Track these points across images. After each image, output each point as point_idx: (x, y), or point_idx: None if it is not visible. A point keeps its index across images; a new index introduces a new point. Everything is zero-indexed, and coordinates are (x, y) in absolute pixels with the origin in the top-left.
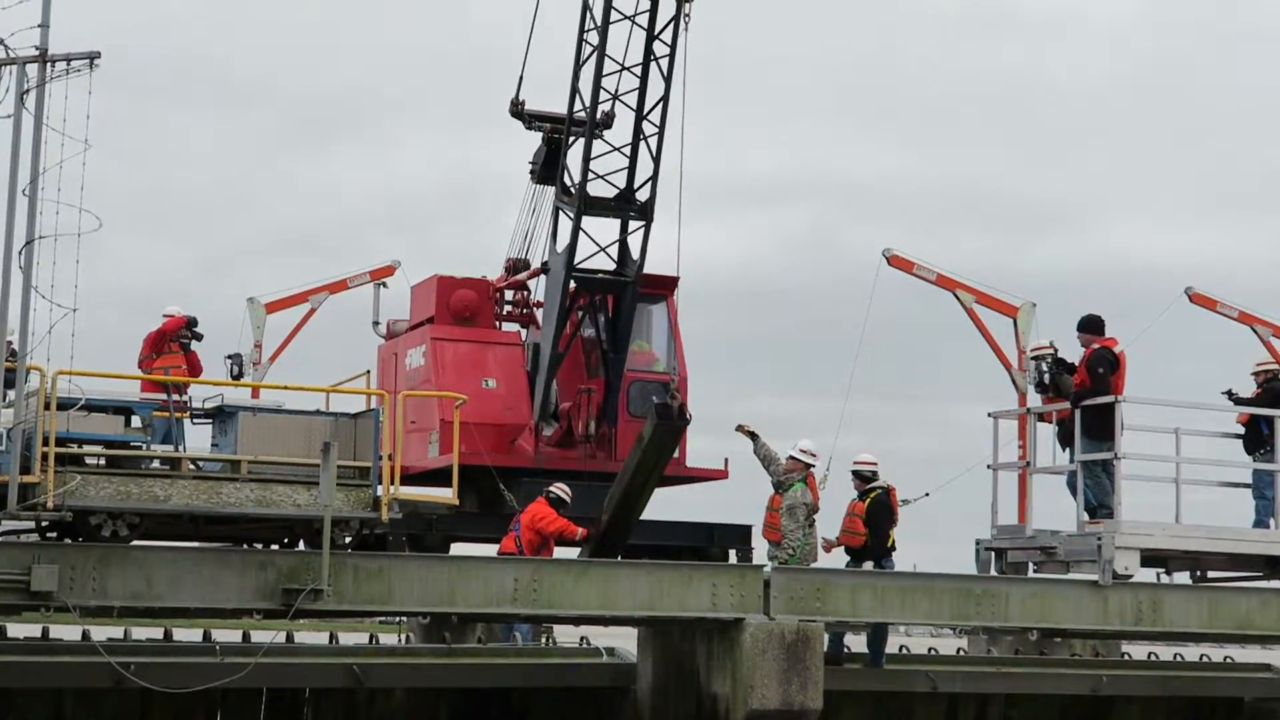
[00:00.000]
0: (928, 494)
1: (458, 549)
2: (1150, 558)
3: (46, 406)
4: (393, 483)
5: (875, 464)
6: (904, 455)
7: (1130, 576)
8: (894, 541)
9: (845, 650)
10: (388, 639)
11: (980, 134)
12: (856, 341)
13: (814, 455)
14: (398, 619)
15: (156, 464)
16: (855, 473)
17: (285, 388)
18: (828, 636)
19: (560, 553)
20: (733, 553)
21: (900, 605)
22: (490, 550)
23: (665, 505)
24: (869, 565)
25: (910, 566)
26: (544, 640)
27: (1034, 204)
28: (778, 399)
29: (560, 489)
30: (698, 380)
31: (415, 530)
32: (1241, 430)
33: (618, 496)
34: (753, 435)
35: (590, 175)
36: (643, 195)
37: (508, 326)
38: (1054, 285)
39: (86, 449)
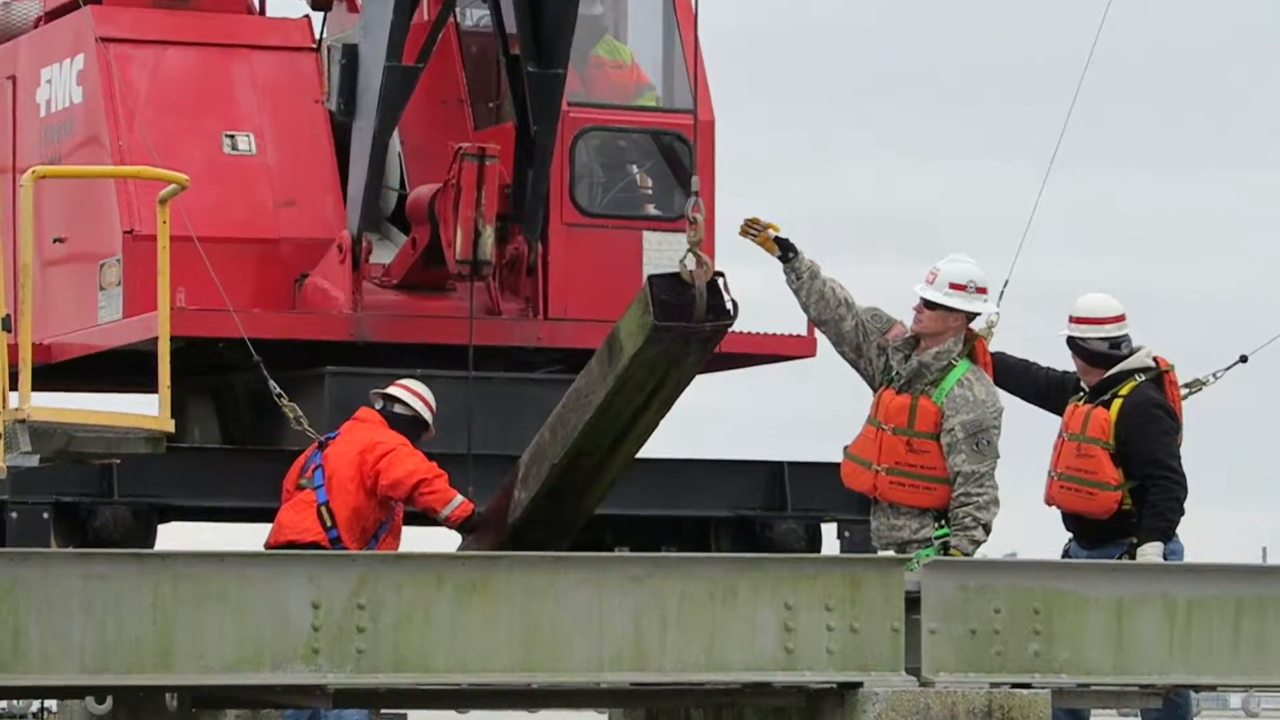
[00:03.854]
0: (1244, 358)
1: (171, 536)
2: None
3: None
4: (16, 386)
5: (1122, 319)
6: (1186, 298)
7: None
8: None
9: None
10: None
11: None
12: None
13: (981, 291)
14: (34, 708)
15: None
16: (1076, 343)
17: None
18: None
19: (417, 538)
20: (830, 529)
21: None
22: (254, 537)
23: (678, 420)
24: (1152, 553)
25: (1258, 554)
26: None
27: None
28: (891, 167)
29: (410, 390)
30: (732, 125)
31: (73, 494)
32: None
33: (564, 446)
34: (782, 244)
35: None
36: None
37: (278, 8)
38: None
39: None
